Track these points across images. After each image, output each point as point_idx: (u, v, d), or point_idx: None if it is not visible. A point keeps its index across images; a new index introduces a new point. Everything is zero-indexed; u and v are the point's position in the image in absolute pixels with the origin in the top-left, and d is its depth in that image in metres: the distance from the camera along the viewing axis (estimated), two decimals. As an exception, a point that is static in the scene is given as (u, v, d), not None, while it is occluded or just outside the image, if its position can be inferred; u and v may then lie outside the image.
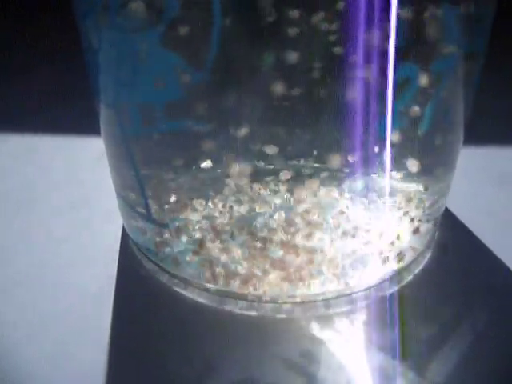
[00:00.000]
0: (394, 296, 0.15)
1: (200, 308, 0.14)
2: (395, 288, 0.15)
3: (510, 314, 0.14)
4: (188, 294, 0.15)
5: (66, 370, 0.13)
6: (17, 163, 0.23)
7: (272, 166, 0.13)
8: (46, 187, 0.20)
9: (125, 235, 0.17)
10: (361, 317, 0.14)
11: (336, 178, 0.13)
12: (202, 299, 0.15)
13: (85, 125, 0.19)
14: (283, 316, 0.14)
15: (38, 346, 0.14)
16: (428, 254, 0.16)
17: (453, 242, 0.16)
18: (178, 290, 0.15)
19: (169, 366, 0.13)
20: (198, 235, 0.14)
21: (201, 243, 0.14)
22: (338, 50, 0.11)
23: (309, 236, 0.14)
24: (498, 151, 0.22)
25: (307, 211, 0.14)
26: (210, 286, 0.15)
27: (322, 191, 0.14)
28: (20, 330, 0.14)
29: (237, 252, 0.14)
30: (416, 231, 0.15)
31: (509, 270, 0.15)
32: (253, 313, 0.14)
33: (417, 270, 0.16)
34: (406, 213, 0.15)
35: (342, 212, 0.14)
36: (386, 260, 0.15)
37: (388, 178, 0.14)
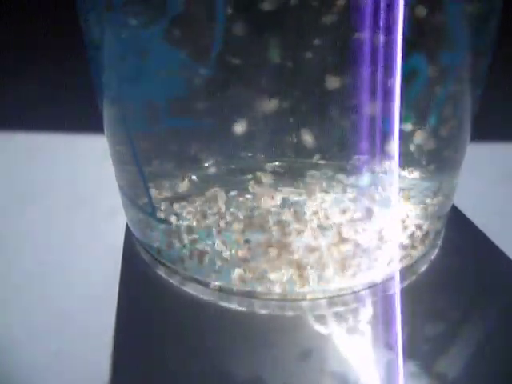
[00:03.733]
0: (400, 294, 0.14)
1: (205, 306, 0.14)
2: (401, 286, 0.15)
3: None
4: (193, 291, 0.15)
5: (69, 369, 0.13)
6: (19, 161, 0.22)
7: (278, 163, 0.13)
8: (48, 185, 0.20)
9: (128, 232, 0.17)
10: (367, 314, 0.14)
11: (342, 173, 0.13)
12: (207, 297, 0.15)
13: (87, 122, 0.19)
14: (289, 314, 0.14)
15: (40, 345, 0.14)
16: (435, 252, 0.16)
17: (460, 240, 0.16)
18: (182, 287, 0.15)
19: (173, 365, 0.13)
20: (202, 233, 0.14)
21: (206, 241, 0.14)
22: (344, 42, 0.11)
23: (314, 233, 0.13)
24: (506, 147, 0.22)
25: (314, 209, 0.13)
26: (216, 283, 0.15)
27: (328, 187, 0.13)
28: (22, 330, 0.14)
29: (242, 249, 0.14)
30: (422, 228, 0.15)
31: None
32: (259, 311, 0.14)
33: (423, 268, 0.15)
34: (412, 210, 0.15)
35: (347, 208, 0.14)
36: (391, 257, 0.15)
37: (395, 174, 0.14)
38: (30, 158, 0.23)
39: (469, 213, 0.17)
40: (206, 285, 0.15)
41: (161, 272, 0.15)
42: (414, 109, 0.13)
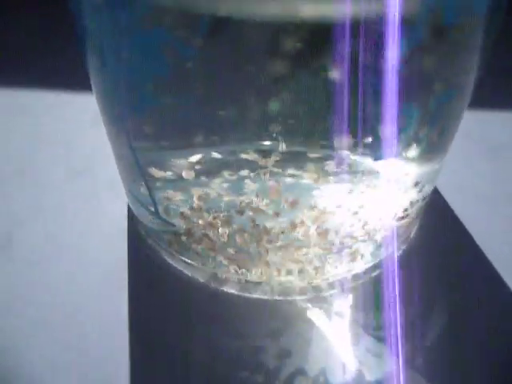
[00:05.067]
0: (378, 276, 0.16)
1: (203, 289, 0.16)
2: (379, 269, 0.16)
3: (482, 302, 0.15)
4: (192, 274, 0.16)
5: (80, 357, 0.14)
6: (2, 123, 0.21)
7: (268, 147, 0.13)
8: (36, 152, 0.20)
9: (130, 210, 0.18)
10: (349, 299, 0.15)
11: (321, 157, 0.13)
12: (210, 283, 0.16)
13: (77, 79, 0.17)
14: (278, 298, 0.15)
15: (47, 335, 0.15)
16: (411, 236, 0.17)
17: (435, 226, 0.17)
18: (179, 268, 0.16)
19: (177, 345, 0.14)
20: (197, 219, 0.15)
21: (202, 230, 0.15)
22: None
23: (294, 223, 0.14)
24: (491, 117, 0.21)
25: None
26: (212, 270, 0.16)
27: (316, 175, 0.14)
28: (27, 316, 0.15)
29: (235, 237, 0.15)
30: (405, 212, 0.15)
31: (487, 260, 0.16)
32: (251, 295, 0.15)
33: (399, 252, 0.16)
34: (396, 193, 0.15)
35: (328, 193, 0.14)
36: (370, 244, 0.15)
37: (379, 159, 0.14)
38: (14, 119, 0.21)
39: (447, 195, 0.17)
40: (204, 271, 0.16)
41: (164, 255, 0.17)
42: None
